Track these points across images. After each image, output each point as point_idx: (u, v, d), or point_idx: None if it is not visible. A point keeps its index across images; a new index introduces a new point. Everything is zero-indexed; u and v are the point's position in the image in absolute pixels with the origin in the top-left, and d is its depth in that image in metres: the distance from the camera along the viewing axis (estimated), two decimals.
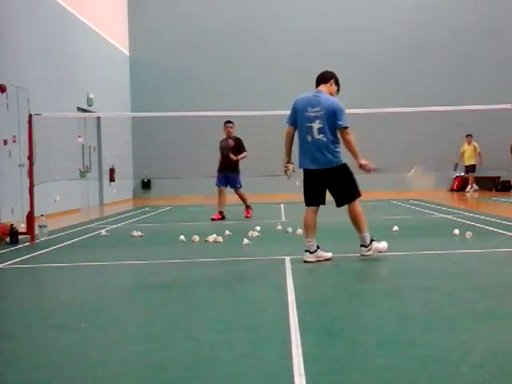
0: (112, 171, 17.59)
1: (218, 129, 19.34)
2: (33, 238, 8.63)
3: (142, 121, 19.97)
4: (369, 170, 6.32)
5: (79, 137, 15.85)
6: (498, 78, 20.55)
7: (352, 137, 6.16)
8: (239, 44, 21.01)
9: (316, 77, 6.56)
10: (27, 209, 8.99)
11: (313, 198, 6.27)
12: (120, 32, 20.48)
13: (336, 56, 20.81)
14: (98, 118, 16.99)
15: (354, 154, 6.23)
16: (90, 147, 16.81)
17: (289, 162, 6.42)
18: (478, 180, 20.16)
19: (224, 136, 11.86)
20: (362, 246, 6.28)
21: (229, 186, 11.62)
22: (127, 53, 21.12)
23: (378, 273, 5.76)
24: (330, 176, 6.17)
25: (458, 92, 19.56)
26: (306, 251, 6.23)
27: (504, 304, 4.34)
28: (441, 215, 11.43)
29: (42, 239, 8.78)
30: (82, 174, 16.07)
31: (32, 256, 7.37)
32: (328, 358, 3.20)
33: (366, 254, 6.24)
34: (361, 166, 6.27)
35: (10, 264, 6.76)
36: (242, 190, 11.59)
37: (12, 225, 8.70)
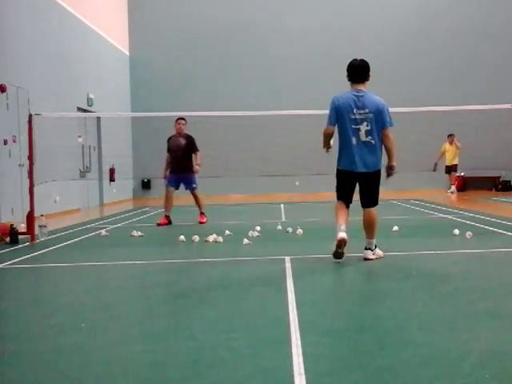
0: (112, 171, 17.61)
1: (217, 129, 19.40)
2: (33, 238, 8.63)
3: (142, 121, 19.98)
4: (389, 175, 6.36)
5: (79, 137, 15.85)
6: (497, 78, 20.55)
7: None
8: (239, 44, 21.02)
9: (351, 67, 6.34)
10: (27, 209, 8.99)
11: (347, 196, 6.28)
12: (120, 32, 20.48)
13: (336, 56, 20.81)
14: (98, 118, 16.99)
15: (392, 154, 6.22)
16: (90, 147, 16.82)
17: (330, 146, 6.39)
18: (478, 180, 20.17)
19: (173, 133, 11.20)
20: (367, 248, 6.30)
21: (184, 188, 11.05)
22: (127, 53, 21.13)
23: (378, 273, 5.76)
24: (368, 178, 6.17)
25: (458, 92, 19.56)
26: (339, 231, 6.16)
27: (504, 304, 4.34)
28: (441, 215, 11.43)
29: (42, 239, 8.78)
30: (82, 174, 16.07)
31: (32, 256, 7.37)
32: (328, 358, 3.20)
33: (370, 257, 6.25)
34: (391, 167, 6.28)
35: (10, 264, 6.76)
36: (198, 192, 11.04)
37: (12, 225, 8.70)
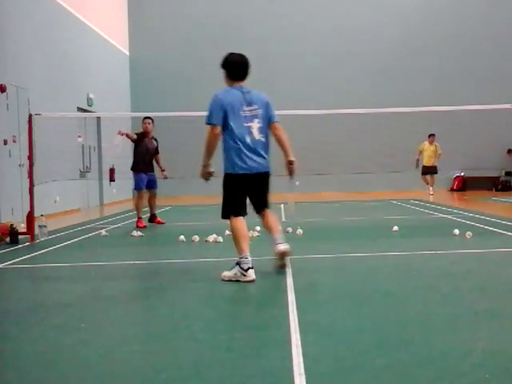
0: (112, 171, 17.59)
1: None
2: (33, 238, 8.63)
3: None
4: (291, 173, 5.84)
5: (79, 137, 15.85)
6: (497, 78, 20.56)
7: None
8: (239, 44, 20.88)
9: (236, 63, 5.74)
10: (27, 209, 8.99)
11: (243, 206, 5.73)
12: (120, 32, 20.48)
13: (336, 56, 20.83)
14: (98, 118, 16.99)
15: (287, 149, 5.77)
16: (90, 147, 16.82)
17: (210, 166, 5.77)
18: (478, 180, 20.13)
19: (141, 131, 10.98)
20: (282, 242, 5.69)
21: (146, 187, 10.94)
22: (127, 53, 21.13)
23: (378, 273, 5.76)
24: (261, 180, 5.69)
25: (457, 92, 19.57)
26: (248, 269, 5.41)
27: (504, 304, 4.34)
28: (441, 215, 11.43)
29: (42, 239, 8.78)
30: (82, 174, 16.06)
31: (32, 256, 7.37)
32: (328, 358, 3.20)
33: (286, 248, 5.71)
34: (291, 162, 5.77)
35: (10, 264, 6.76)
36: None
37: (12, 225, 8.70)
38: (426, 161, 18.18)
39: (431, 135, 18.20)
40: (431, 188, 18.21)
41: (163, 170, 11.04)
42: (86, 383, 2.97)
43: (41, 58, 13.46)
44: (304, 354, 3.20)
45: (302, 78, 20.57)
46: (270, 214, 5.87)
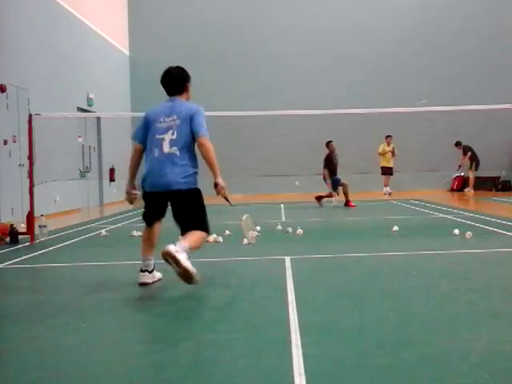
0: (112, 171, 17.60)
1: (218, 129, 19.35)
2: (33, 238, 8.63)
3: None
4: (220, 194, 5.14)
5: (79, 137, 15.85)
6: (498, 78, 20.56)
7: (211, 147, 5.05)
8: (239, 44, 21.02)
9: (164, 76, 5.59)
10: (27, 209, 8.99)
11: (156, 217, 5.39)
12: (120, 32, 20.49)
13: (336, 56, 20.82)
14: (98, 118, 16.99)
15: (213, 169, 5.02)
16: (90, 147, 16.82)
17: (133, 187, 5.36)
18: (478, 180, 20.11)
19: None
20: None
21: None
22: (127, 53, 21.13)
23: (378, 273, 5.76)
24: (174, 199, 5.08)
25: (457, 92, 19.57)
26: (143, 271, 5.40)
27: (504, 304, 4.34)
28: (441, 215, 11.42)
29: (42, 239, 8.78)
30: (82, 174, 16.07)
31: (32, 256, 7.37)
32: (328, 358, 3.20)
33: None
34: (216, 185, 5.06)
35: (10, 264, 6.76)
36: None
37: (12, 225, 8.70)
38: (388, 162, 18.50)
39: (388, 136, 18.30)
40: (389, 188, 18.50)
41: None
42: (86, 383, 2.97)
43: (41, 58, 13.46)
44: (304, 354, 3.20)
45: (302, 79, 20.56)
46: (194, 234, 5.06)
